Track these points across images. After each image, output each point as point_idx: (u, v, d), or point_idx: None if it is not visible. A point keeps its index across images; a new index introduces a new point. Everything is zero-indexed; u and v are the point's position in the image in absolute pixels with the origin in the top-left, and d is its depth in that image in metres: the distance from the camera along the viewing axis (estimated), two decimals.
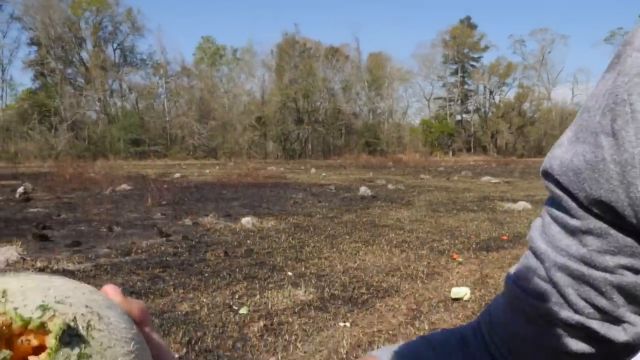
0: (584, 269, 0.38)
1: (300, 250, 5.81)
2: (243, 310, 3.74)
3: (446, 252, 5.83)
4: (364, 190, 12.45)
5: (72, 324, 0.27)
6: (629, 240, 0.37)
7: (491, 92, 61.63)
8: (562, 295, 0.40)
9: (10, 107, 48.54)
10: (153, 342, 0.34)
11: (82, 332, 0.27)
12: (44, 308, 0.27)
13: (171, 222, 7.86)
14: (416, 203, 10.63)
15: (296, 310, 3.79)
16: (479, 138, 59.59)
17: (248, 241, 6.34)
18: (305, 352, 3.04)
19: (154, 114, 49.89)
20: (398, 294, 4.22)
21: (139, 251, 5.67)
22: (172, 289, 4.22)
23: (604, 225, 0.37)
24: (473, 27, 62.06)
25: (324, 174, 20.81)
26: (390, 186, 14.57)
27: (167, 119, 49.30)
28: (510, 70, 60.66)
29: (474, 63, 62.46)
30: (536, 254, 0.42)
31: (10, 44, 59.87)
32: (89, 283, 0.36)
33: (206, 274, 4.74)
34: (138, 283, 4.39)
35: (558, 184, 0.40)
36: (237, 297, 4.07)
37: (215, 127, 47.55)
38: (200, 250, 5.81)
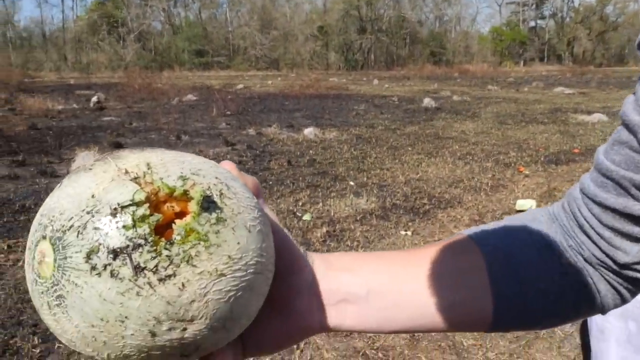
0: None
1: (362, 161, 5.83)
2: (306, 217, 3.86)
3: (512, 164, 5.69)
4: (427, 101, 12.14)
5: (208, 192, 0.30)
6: None
7: None
8: None
9: (81, 18, 49.63)
10: (267, 212, 0.37)
11: (216, 199, 0.30)
12: (183, 178, 0.30)
13: (236, 131, 8.03)
14: (482, 115, 10.29)
15: (358, 218, 3.87)
16: (553, 46, 55.72)
17: (310, 151, 6.42)
18: None
19: (216, 24, 49.69)
20: (460, 205, 4.21)
21: None
22: None
23: None
24: None
25: (386, 86, 20.36)
26: (455, 98, 14.11)
27: (230, 29, 49.03)
28: None
29: None
30: (629, 127, 0.41)
31: None
32: None
33: (270, 182, 4.88)
34: None
35: None
36: (300, 204, 4.19)
37: (277, 37, 46.91)
38: (264, 159, 5.95)
